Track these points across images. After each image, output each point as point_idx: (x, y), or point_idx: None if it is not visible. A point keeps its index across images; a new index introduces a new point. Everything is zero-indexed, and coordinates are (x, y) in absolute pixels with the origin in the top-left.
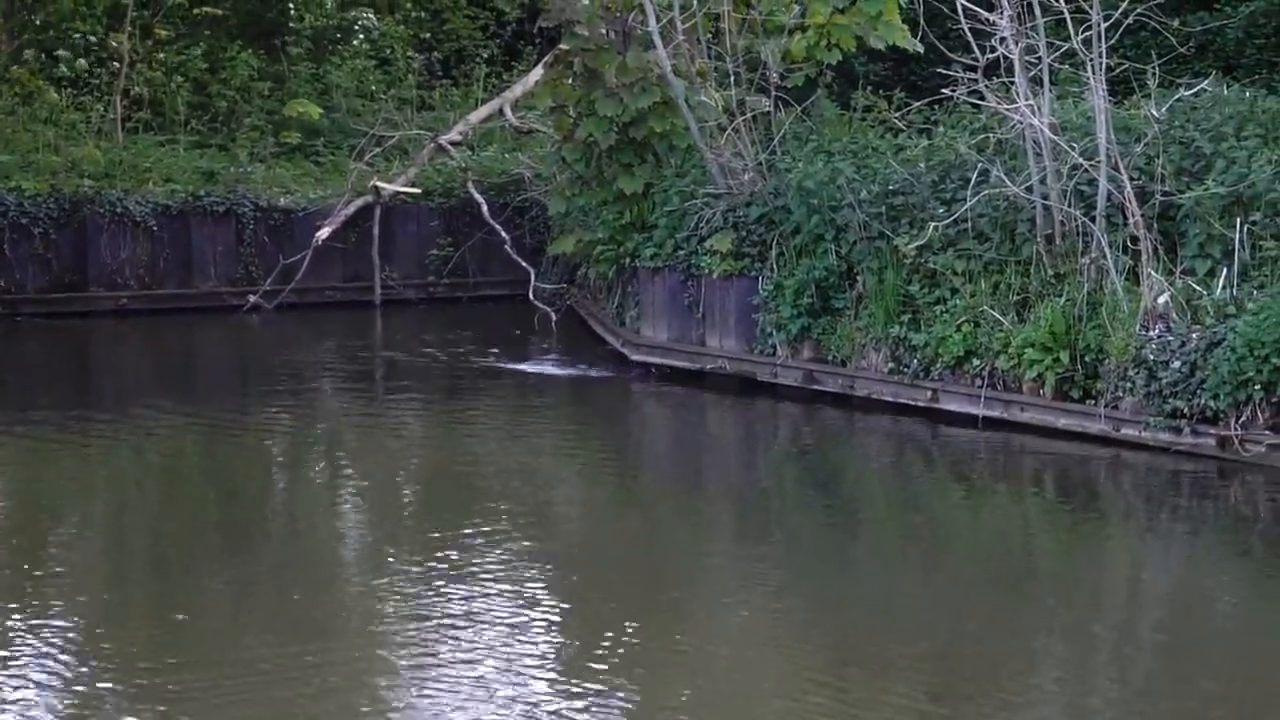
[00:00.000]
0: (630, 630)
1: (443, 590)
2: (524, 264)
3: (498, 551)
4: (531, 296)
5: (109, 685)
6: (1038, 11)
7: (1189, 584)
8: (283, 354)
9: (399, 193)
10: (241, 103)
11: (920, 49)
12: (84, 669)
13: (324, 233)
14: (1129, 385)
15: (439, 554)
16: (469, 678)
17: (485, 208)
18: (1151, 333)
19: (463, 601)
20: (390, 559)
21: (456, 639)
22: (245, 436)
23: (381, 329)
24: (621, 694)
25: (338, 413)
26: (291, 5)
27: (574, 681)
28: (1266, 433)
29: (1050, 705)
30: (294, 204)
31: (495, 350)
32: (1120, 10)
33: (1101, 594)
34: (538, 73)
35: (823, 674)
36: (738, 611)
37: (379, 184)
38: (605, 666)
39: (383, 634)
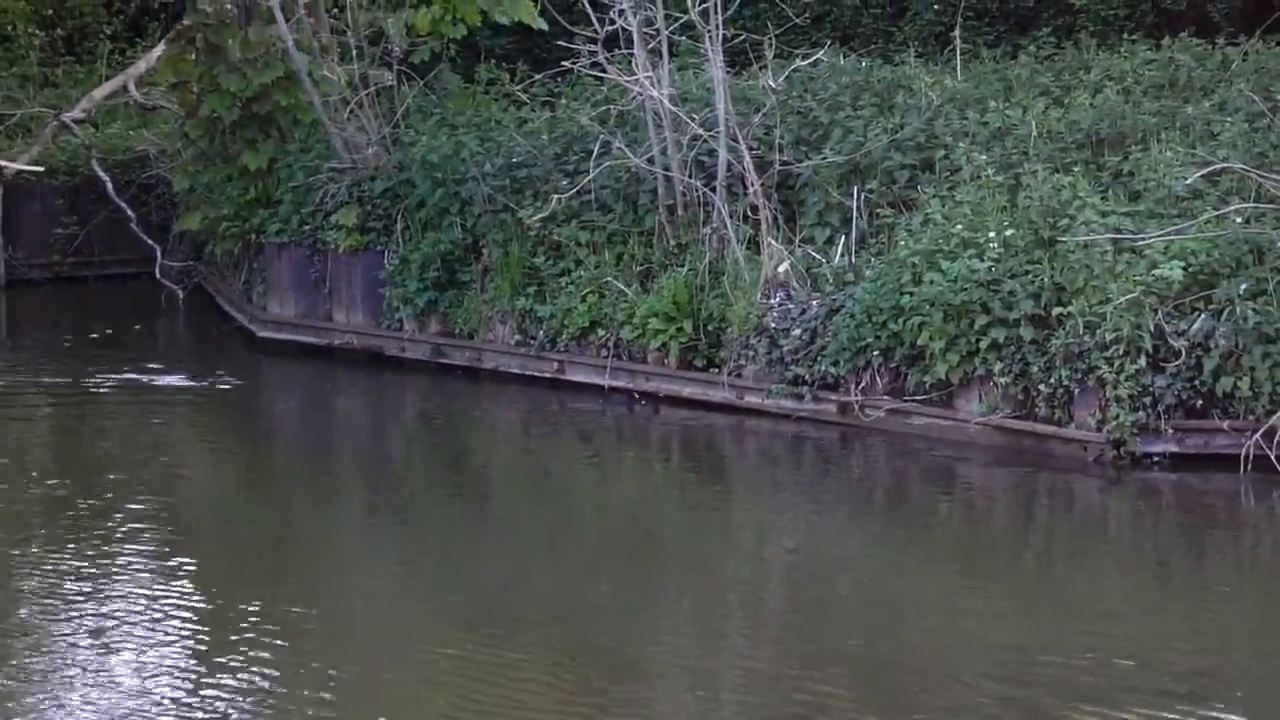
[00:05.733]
0: (259, 605)
1: (68, 582)
2: (150, 242)
3: (122, 538)
4: (159, 274)
5: None
6: None
7: (812, 541)
8: None
9: (21, 171)
10: None
11: (544, 26)
12: None
13: None
14: (751, 353)
15: (65, 547)
16: (96, 665)
17: (110, 185)
18: (772, 301)
19: (90, 592)
20: (12, 553)
21: (84, 625)
22: None
23: (5, 311)
24: (254, 667)
25: None
26: None
27: (207, 661)
28: (885, 398)
29: (679, 657)
30: None
31: (117, 335)
32: None
33: (727, 554)
34: (161, 48)
35: (451, 639)
36: (366, 581)
37: (0, 162)
38: (237, 643)
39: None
